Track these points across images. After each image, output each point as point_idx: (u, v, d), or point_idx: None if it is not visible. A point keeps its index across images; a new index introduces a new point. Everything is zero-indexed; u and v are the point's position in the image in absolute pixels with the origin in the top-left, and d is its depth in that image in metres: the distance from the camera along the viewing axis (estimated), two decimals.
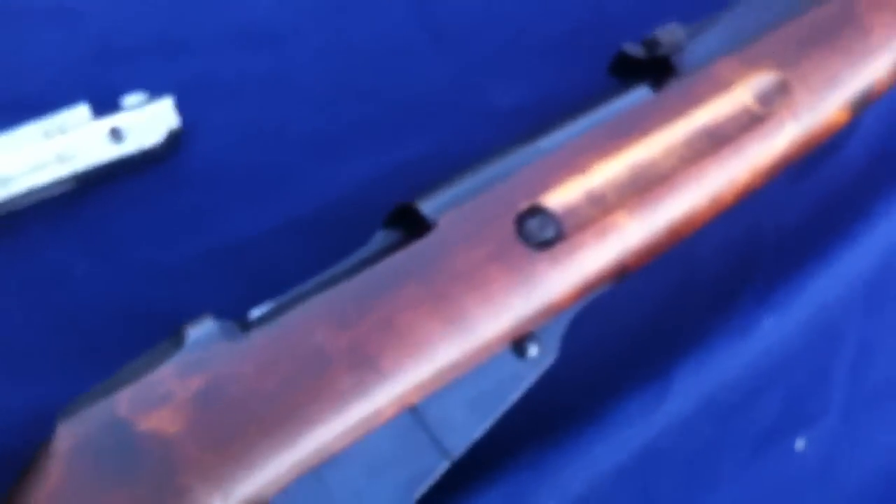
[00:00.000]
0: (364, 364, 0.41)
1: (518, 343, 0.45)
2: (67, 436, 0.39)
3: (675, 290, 0.56)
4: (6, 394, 0.50)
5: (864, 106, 0.53)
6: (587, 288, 0.46)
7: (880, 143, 0.60)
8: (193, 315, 0.42)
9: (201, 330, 0.42)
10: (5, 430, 0.49)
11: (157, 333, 0.43)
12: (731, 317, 0.54)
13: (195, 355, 0.41)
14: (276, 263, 0.53)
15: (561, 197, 0.46)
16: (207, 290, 0.53)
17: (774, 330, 0.54)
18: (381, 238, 0.46)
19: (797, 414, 0.54)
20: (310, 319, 0.42)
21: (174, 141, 0.56)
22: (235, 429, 0.40)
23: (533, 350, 0.45)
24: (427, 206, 0.45)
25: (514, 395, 0.45)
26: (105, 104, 0.54)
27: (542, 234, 0.45)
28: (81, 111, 0.54)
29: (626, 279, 0.48)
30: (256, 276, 0.52)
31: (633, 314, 0.55)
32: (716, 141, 0.49)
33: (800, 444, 0.54)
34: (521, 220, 0.45)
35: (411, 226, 0.45)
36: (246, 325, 0.42)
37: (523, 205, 0.45)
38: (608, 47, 0.52)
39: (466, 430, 0.44)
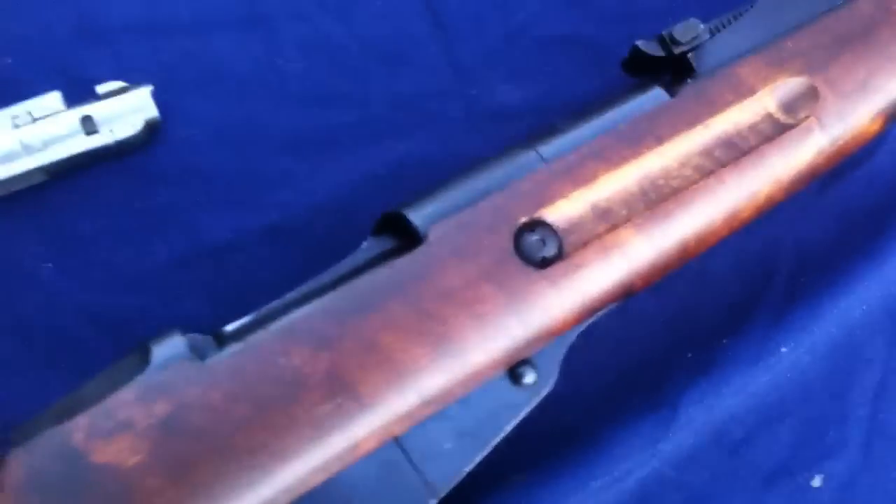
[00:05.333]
0: (343, 390, 0.40)
1: (513, 369, 0.44)
2: (18, 466, 0.37)
3: (684, 310, 0.55)
4: None
5: None
6: (589, 310, 0.45)
7: None
8: (163, 324, 0.41)
9: (168, 348, 0.40)
10: None
11: (124, 341, 0.42)
12: (744, 341, 0.54)
13: (160, 376, 0.39)
14: (254, 271, 0.52)
15: (563, 211, 0.45)
16: (180, 297, 0.52)
17: (790, 356, 0.54)
18: (367, 248, 0.44)
19: (813, 448, 0.53)
20: (286, 338, 0.41)
21: (151, 133, 0.54)
22: (203, 460, 0.38)
23: (529, 376, 0.44)
24: (417, 216, 0.44)
25: (508, 426, 0.43)
26: (79, 91, 0.53)
27: (541, 250, 0.44)
28: (53, 98, 0.53)
29: (631, 300, 0.47)
30: (233, 283, 0.52)
31: (637, 337, 0.54)
32: (735, 151, 0.48)
33: (816, 481, 0.53)
34: (520, 234, 0.44)
35: (400, 235, 0.44)
36: (219, 339, 0.41)
37: (522, 218, 0.44)
38: (620, 44, 0.50)
39: (454, 463, 0.43)
